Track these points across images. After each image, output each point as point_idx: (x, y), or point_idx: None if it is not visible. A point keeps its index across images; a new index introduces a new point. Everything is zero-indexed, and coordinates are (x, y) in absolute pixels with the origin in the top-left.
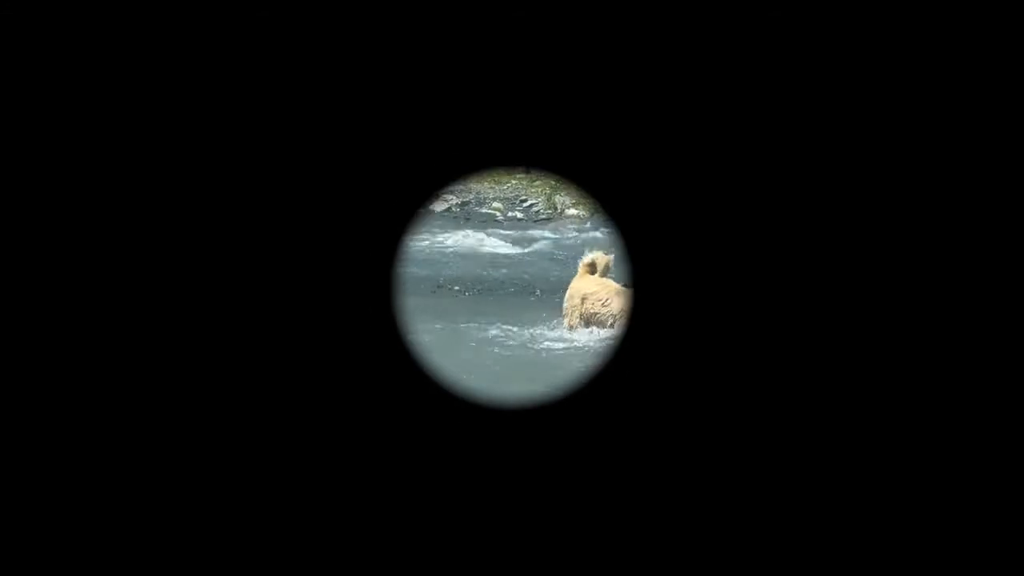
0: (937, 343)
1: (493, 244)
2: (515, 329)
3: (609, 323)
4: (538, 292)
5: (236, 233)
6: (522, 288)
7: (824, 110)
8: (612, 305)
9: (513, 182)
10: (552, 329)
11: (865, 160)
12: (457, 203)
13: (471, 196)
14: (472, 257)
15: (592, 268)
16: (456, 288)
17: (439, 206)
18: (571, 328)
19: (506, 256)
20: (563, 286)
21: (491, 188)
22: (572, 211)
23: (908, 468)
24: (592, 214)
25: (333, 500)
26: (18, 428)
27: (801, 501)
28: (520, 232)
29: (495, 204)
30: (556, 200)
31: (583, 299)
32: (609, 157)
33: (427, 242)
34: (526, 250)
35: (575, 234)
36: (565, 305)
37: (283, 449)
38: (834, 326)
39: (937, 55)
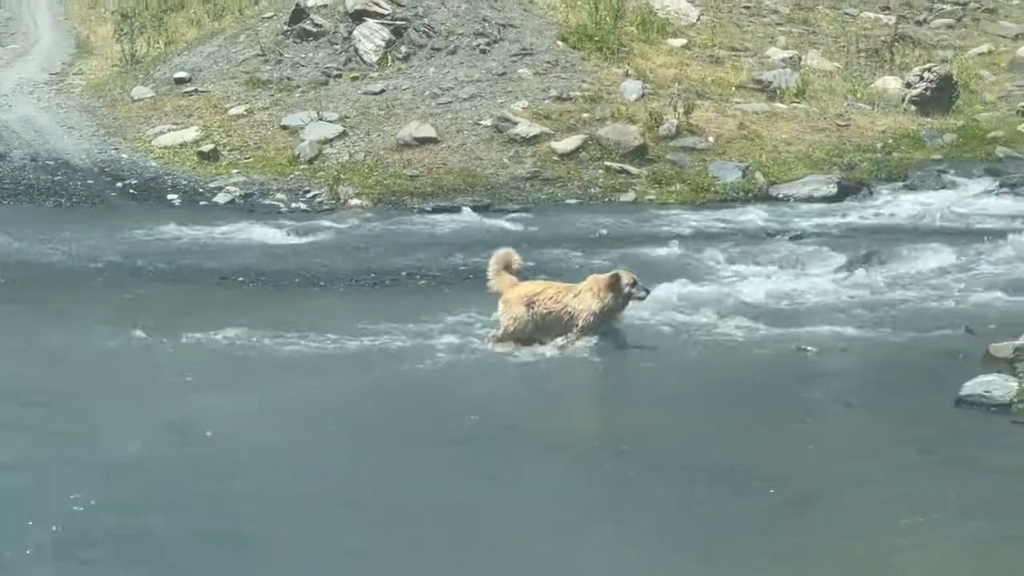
0: None
1: (277, 235)
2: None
3: (568, 322)
4: (322, 282)
5: None
6: (306, 279)
7: None
8: (568, 300)
9: (296, 173)
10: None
11: None
12: (240, 195)
13: (255, 188)
14: (256, 248)
15: (507, 266)
16: (241, 279)
17: (222, 198)
18: (499, 341)
19: (290, 247)
20: (345, 276)
21: (275, 180)
22: (355, 201)
23: None
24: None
25: None
26: None
27: None
28: (304, 223)
29: (279, 195)
30: (339, 190)
31: (530, 303)
32: None
33: (211, 233)
34: (309, 240)
35: (358, 223)
36: (503, 316)
37: None
38: None
39: None
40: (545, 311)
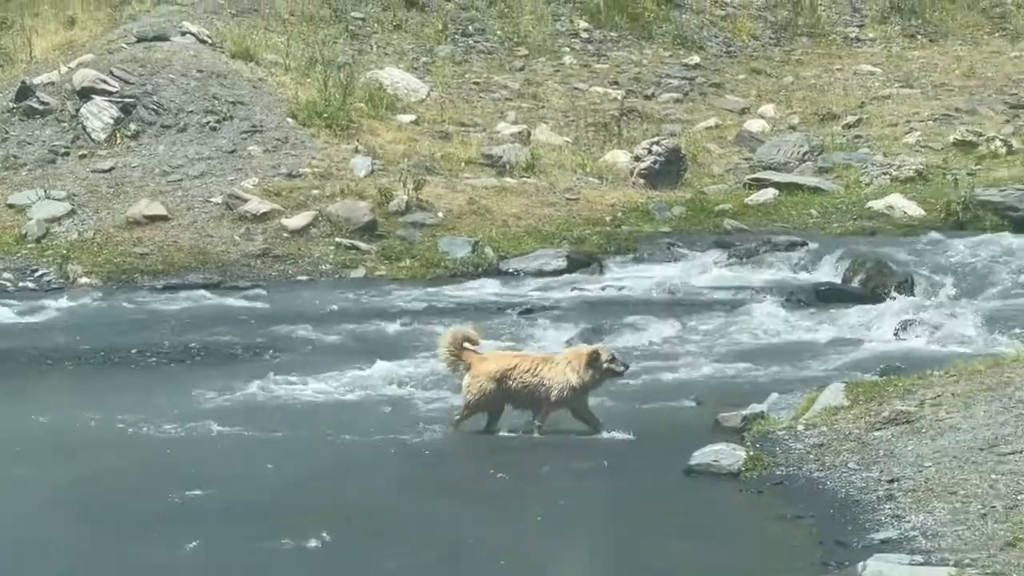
0: None
1: (3, 314)
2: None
3: (542, 394)
4: (49, 361)
5: None
6: (34, 358)
7: None
8: (544, 372)
9: (24, 252)
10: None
11: None
12: None
13: None
14: None
15: (467, 342)
16: None
17: None
18: (463, 419)
19: (17, 326)
20: (74, 355)
21: (1, 259)
22: (84, 280)
23: None
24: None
25: None
26: None
27: None
28: (32, 302)
29: (5, 275)
30: (68, 269)
31: (503, 378)
32: None
33: None
34: (38, 319)
35: (87, 302)
36: (469, 391)
37: None
38: None
39: None
40: (521, 385)
